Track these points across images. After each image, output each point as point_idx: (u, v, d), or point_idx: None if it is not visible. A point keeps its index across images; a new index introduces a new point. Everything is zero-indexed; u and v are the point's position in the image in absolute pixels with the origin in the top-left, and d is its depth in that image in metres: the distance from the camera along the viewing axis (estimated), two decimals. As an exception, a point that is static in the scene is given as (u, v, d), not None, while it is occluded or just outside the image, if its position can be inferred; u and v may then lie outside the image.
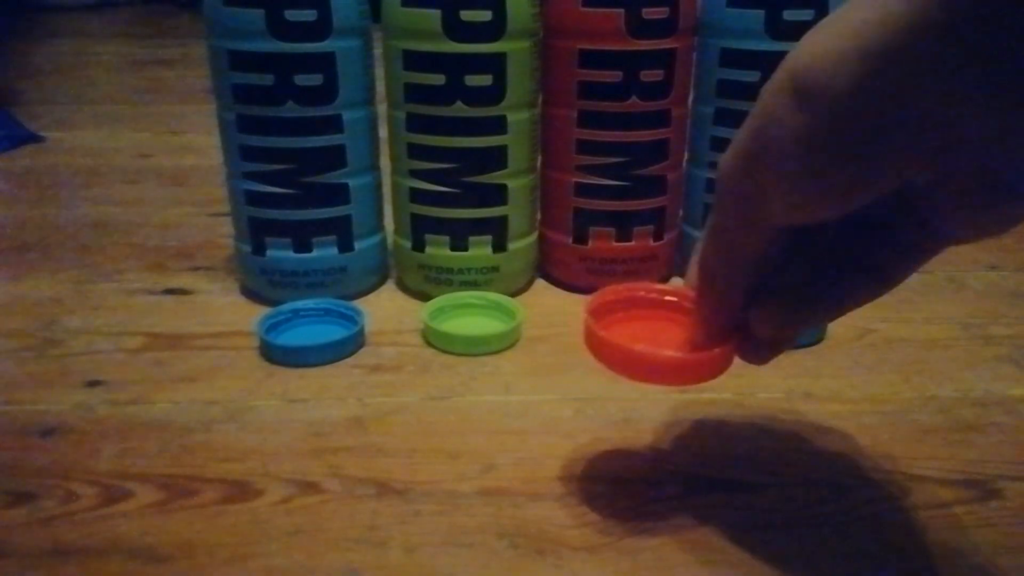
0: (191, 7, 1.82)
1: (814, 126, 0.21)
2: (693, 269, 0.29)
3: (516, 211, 0.48)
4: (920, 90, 0.19)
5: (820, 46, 0.20)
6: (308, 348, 0.42)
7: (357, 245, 0.48)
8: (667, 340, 0.30)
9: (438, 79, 0.44)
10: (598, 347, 0.29)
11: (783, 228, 0.24)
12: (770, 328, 0.27)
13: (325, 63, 0.44)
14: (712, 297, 0.28)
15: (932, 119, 0.19)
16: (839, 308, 0.28)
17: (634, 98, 0.46)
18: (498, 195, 0.47)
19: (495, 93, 0.45)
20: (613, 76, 0.45)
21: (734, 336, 0.28)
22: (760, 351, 0.29)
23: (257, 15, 0.42)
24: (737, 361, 0.34)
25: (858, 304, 0.28)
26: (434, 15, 0.42)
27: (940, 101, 0.19)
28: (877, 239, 0.26)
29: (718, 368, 0.29)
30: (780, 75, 0.21)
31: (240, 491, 0.33)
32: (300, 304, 0.46)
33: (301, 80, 0.43)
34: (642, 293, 0.32)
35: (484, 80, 0.44)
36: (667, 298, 0.32)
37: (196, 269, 0.54)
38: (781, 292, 0.27)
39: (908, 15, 0.18)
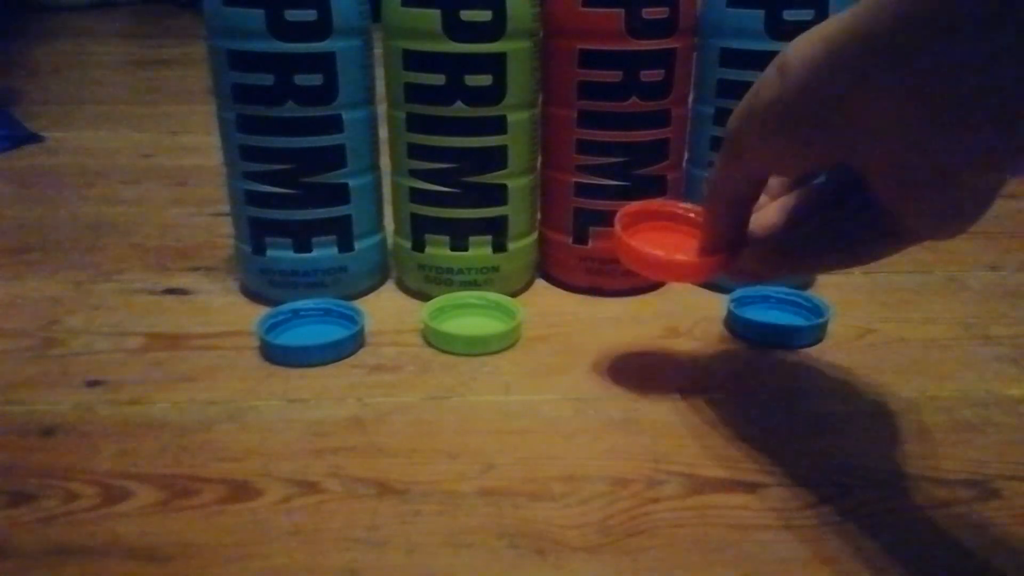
0: (191, 7, 1.82)
1: (784, 95, 0.27)
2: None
3: (516, 211, 0.48)
4: (851, 83, 0.25)
5: (805, 36, 0.26)
6: (308, 348, 0.42)
7: (357, 245, 0.48)
8: (679, 246, 0.37)
9: (438, 79, 0.44)
10: (619, 249, 0.37)
11: (758, 180, 0.32)
12: (753, 267, 0.35)
13: (325, 63, 0.44)
14: (709, 220, 0.35)
15: (858, 106, 0.25)
16: (812, 270, 0.37)
17: (634, 98, 0.46)
18: (498, 195, 0.47)
19: (495, 93, 0.45)
20: (613, 76, 0.45)
21: (728, 251, 0.35)
22: (741, 276, 0.36)
23: (257, 15, 0.42)
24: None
25: (827, 271, 0.36)
26: (434, 15, 0.42)
27: (863, 95, 0.25)
28: (852, 221, 0.31)
29: (710, 271, 0.36)
30: (777, 56, 0.27)
31: (240, 491, 0.33)
32: (300, 304, 0.46)
33: (301, 80, 0.43)
34: (667, 208, 0.40)
35: (484, 80, 0.44)
36: (686, 213, 0.39)
37: (196, 269, 0.54)
38: (770, 245, 0.34)
39: (851, 27, 0.24)
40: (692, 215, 0.39)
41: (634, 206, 0.39)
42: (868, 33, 0.24)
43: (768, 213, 0.34)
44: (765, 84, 0.28)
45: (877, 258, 0.33)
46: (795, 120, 0.27)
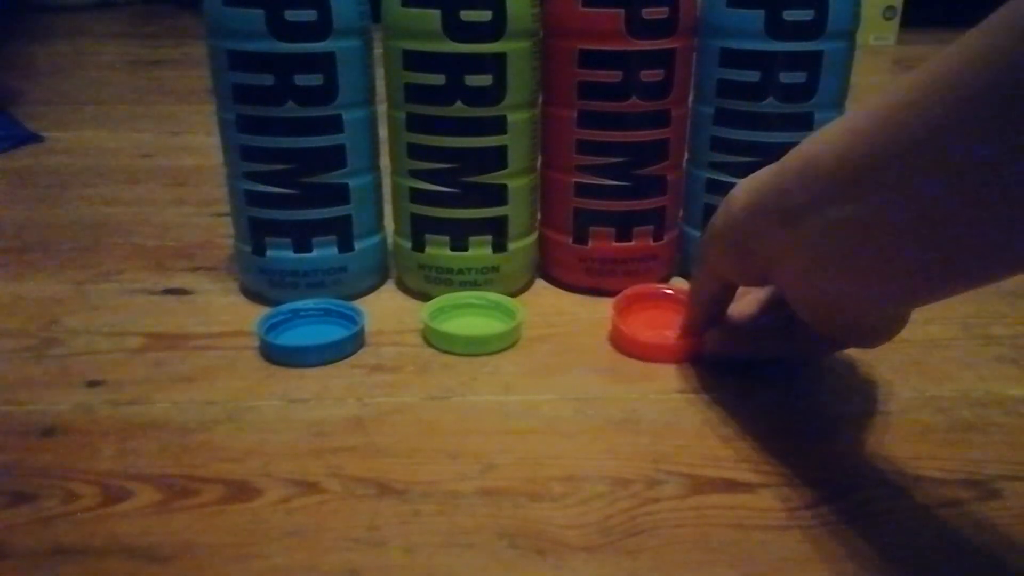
0: (191, 7, 1.82)
1: (726, 226, 0.35)
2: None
3: (516, 211, 0.48)
4: (760, 229, 0.32)
5: (747, 181, 0.33)
6: (308, 348, 0.42)
7: (357, 245, 0.48)
8: (669, 326, 0.44)
9: (438, 79, 0.44)
10: (612, 331, 0.45)
11: (725, 283, 0.39)
12: (720, 346, 0.42)
13: (325, 63, 0.44)
14: (688, 310, 0.43)
15: (766, 247, 0.32)
16: (768, 355, 0.42)
17: (634, 98, 0.46)
18: (498, 195, 0.47)
19: (495, 93, 0.45)
20: (613, 76, 0.45)
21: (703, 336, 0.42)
22: (711, 354, 0.42)
23: (257, 15, 0.42)
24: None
25: (782, 357, 0.42)
26: (434, 15, 0.42)
27: (766, 240, 0.32)
28: (798, 321, 0.36)
29: (687, 354, 0.43)
30: (731, 191, 0.35)
31: (240, 491, 0.33)
32: (300, 304, 0.46)
33: (301, 80, 0.43)
34: (659, 291, 0.48)
35: (484, 80, 0.44)
36: (676, 295, 0.47)
37: (196, 269, 0.54)
38: (740, 332, 0.41)
39: (764, 185, 0.32)
40: (681, 297, 0.45)
41: (630, 290, 0.47)
42: (770, 195, 0.31)
43: (743, 304, 0.41)
44: (719, 213, 0.35)
45: (820, 355, 0.42)
46: (732, 246, 0.35)
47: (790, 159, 0.30)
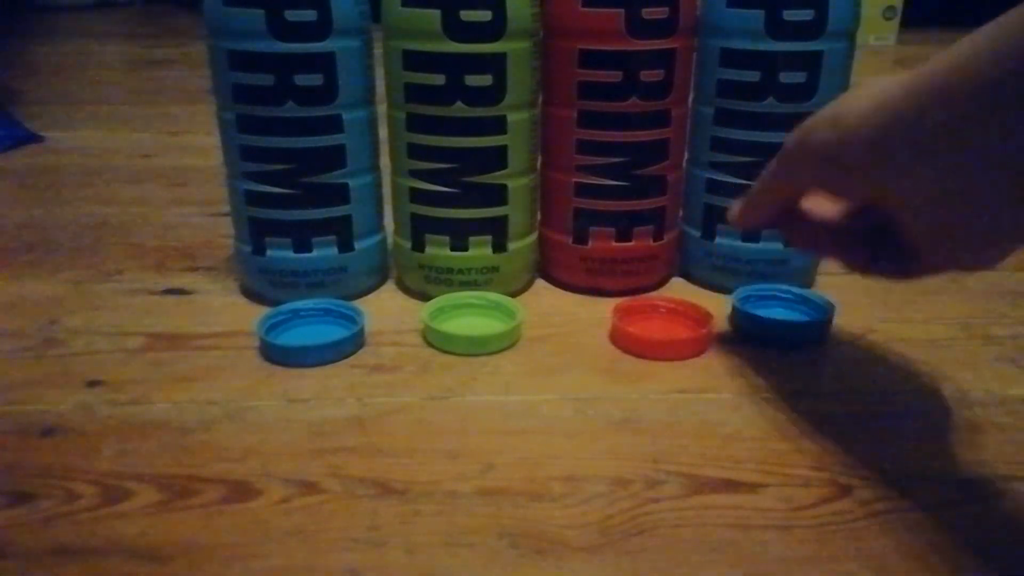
0: (191, 7, 1.82)
1: (831, 144, 0.31)
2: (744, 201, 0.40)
3: (516, 211, 0.48)
4: (878, 153, 0.29)
5: (856, 101, 0.30)
6: (308, 348, 0.42)
7: (357, 245, 0.48)
8: (664, 331, 0.45)
9: (438, 79, 0.44)
10: (614, 332, 0.45)
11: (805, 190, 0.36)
12: (791, 240, 0.41)
13: (325, 63, 0.44)
14: (753, 202, 0.38)
15: (878, 173, 0.29)
16: (864, 271, 0.37)
17: (634, 98, 0.46)
18: (498, 195, 0.47)
19: (495, 93, 0.45)
20: (613, 76, 0.45)
21: (709, 327, 0.44)
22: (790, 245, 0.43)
23: (257, 15, 0.42)
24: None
25: (880, 277, 0.37)
26: (434, 15, 0.42)
27: (883, 166, 0.29)
28: (890, 243, 0.33)
29: (690, 350, 0.44)
30: (823, 112, 0.32)
31: (240, 491, 0.33)
32: (300, 304, 0.46)
33: (301, 80, 0.43)
34: (652, 302, 0.48)
35: (484, 80, 0.44)
36: (666, 305, 0.48)
37: (196, 269, 0.54)
38: (810, 229, 0.37)
39: (875, 110, 0.29)
40: (671, 307, 0.47)
41: (625, 300, 0.47)
42: (902, 117, 0.27)
43: (826, 203, 0.37)
44: (818, 129, 0.31)
45: (913, 276, 0.35)
46: (834, 167, 0.31)
47: (918, 81, 0.27)
